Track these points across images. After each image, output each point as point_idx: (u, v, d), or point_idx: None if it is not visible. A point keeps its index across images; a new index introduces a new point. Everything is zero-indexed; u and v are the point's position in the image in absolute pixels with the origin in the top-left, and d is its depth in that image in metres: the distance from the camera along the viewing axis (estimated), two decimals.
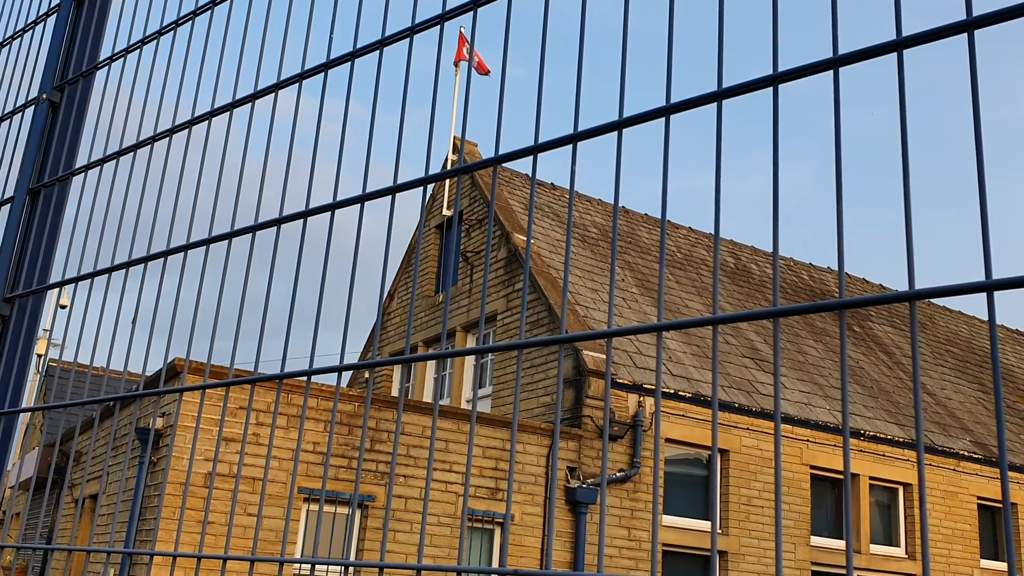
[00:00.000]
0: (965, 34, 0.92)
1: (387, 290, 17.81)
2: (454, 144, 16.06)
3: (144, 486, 9.69)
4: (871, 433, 13.49)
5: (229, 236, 1.66)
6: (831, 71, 1.00)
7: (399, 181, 1.50)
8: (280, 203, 1.62)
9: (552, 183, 17.13)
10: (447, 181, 16.39)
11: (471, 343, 14.80)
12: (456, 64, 15.63)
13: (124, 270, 1.87)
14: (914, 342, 0.90)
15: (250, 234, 1.63)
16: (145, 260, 1.82)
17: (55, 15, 2.48)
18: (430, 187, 16.14)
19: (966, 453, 14.25)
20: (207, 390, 7.15)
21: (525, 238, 14.37)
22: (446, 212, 16.31)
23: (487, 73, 15.47)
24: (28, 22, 2.61)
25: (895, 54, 0.96)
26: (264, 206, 1.68)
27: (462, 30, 16.32)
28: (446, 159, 17.02)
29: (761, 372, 13.78)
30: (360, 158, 1.55)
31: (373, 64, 1.77)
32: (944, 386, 16.70)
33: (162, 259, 1.79)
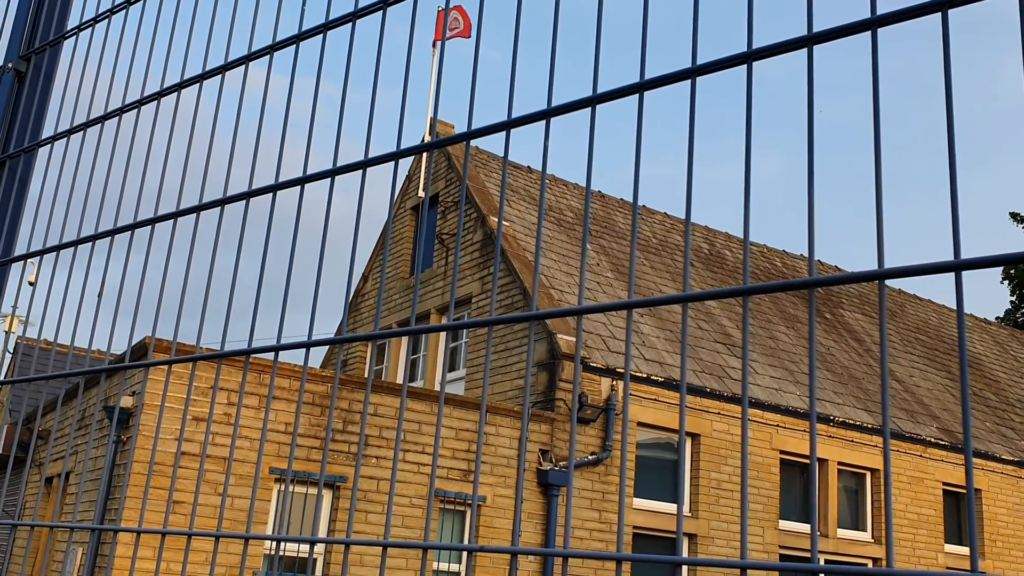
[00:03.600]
0: (939, 14, 0.92)
1: (358, 270, 17.74)
2: (430, 124, 15.97)
3: (113, 465, 9.62)
4: (840, 419, 13.64)
5: (197, 209, 1.63)
6: (805, 50, 1.00)
7: (371, 156, 1.49)
8: (249, 177, 1.59)
9: (528, 166, 17.10)
10: (423, 162, 16.32)
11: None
12: (434, 45, 15.53)
13: (91, 243, 1.84)
14: (882, 322, 0.90)
15: (218, 208, 1.60)
16: (112, 233, 1.79)
17: None
18: (403, 166, 16.06)
19: (933, 440, 14.46)
20: (174, 367, 7.12)
21: (505, 222, 14.34)
22: (421, 193, 16.24)
23: (468, 36, 15.28)
24: None
25: (869, 32, 0.96)
26: (233, 182, 1.65)
27: (440, 10, 16.21)
28: (422, 139, 16.93)
29: (732, 357, 13.88)
30: (333, 135, 1.53)
31: (347, 38, 1.74)
32: (913, 374, 16.91)
33: (129, 232, 1.76)
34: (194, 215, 1.64)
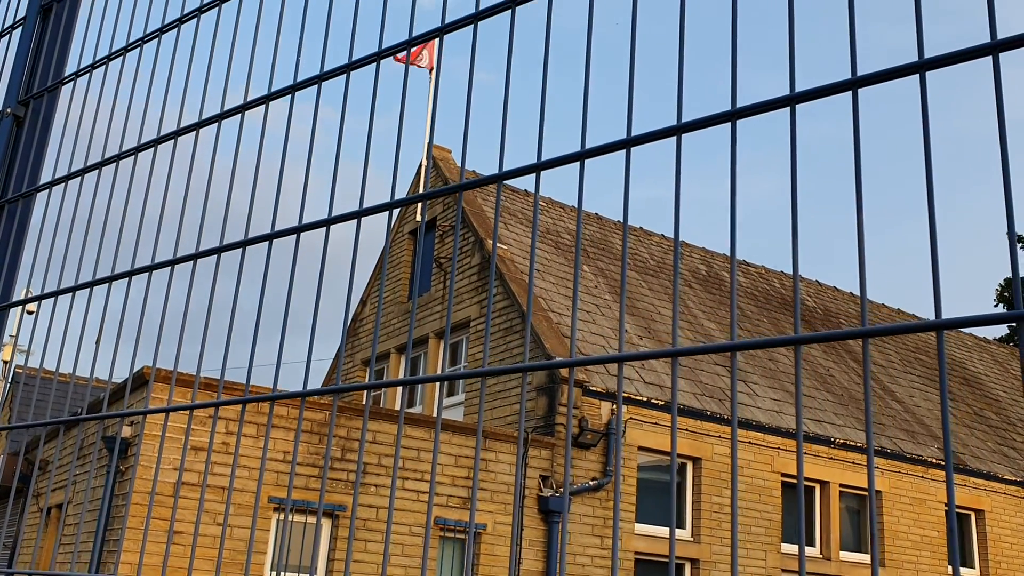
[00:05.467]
0: (917, 75, 0.94)
1: (356, 294, 17.74)
2: (427, 150, 16.03)
3: (111, 496, 9.58)
4: (841, 441, 13.62)
5: (194, 257, 1.65)
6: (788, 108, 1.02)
7: (366, 204, 1.51)
8: (246, 224, 1.61)
9: (525, 189, 17.15)
10: (420, 186, 16.37)
11: (442, 350, 14.76)
12: (431, 73, 15.61)
13: (88, 289, 1.86)
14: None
15: (215, 256, 1.62)
16: (110, 280, 1.80)
17: (20, 28, 2.46)
18: (400, 191, 16.16)
19: (934, 460, 14.42)
20: (174, 397, 7.07)
21: (501, 245, 14.37)
22: (419, 218, 16.28)
23: (430, 69, 15.33)
24: None
25: (849, 93, 0.98)
26: (231, 224, 1.67)
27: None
28: (419, 165, 17.01)
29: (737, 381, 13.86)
30: (331, 177, 1.55)
31: (342, 84, 1.76)
32: (913, 394, 16.89)
33: (126, 279, 1.78)
34: (190, 262, 1.66)
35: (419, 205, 16.31)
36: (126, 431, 9.61)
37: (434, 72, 15.55)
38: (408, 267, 16.29)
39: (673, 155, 1.14)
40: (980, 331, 25.83)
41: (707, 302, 16.42)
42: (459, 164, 14.51)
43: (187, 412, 9.17)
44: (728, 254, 16.34)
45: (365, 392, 15.93)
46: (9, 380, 21.34)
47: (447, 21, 1.46)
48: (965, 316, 0.86)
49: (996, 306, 33.75)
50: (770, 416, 13.33)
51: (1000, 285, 34.05)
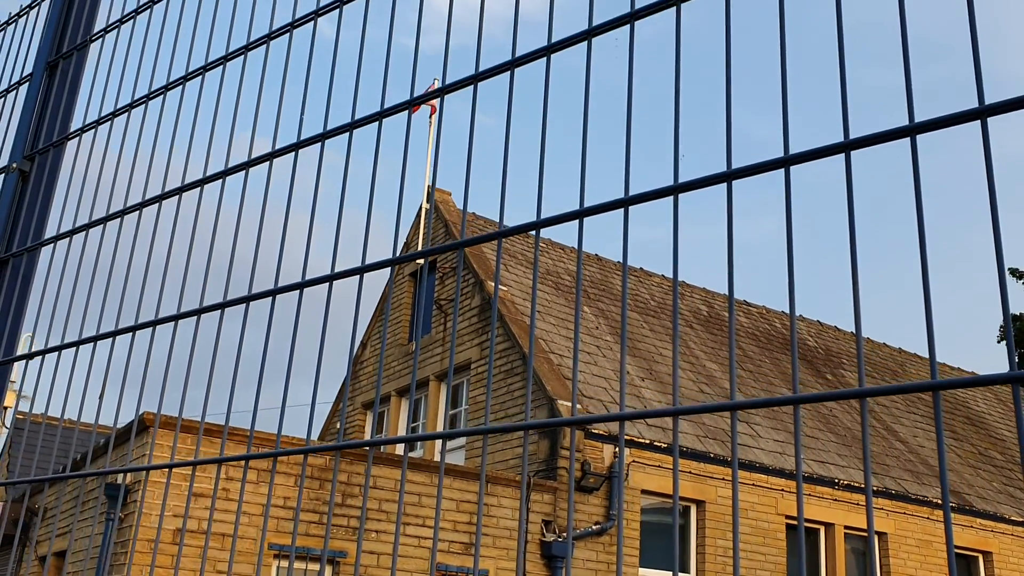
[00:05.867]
0: (908, 138, 0.96)
1: (354, 353, 17.74)
2: (427, 192, 16.15)
3: (111, 543, 9.50)
4: (845, 482, 13.52)
5: (198, 312, 1.66)
6: (782, 169, 1.04)
7: (370, 248, 1.53)
8: (250, 279, 1.63)
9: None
10: (421, 228, 16.46)
11: (443, 392, 14.72)
12: (430, 116, 15.75)
13: (92, 344, 1.87)
14: (939, 433, 0.92)
15: (219, 311, 1.64)
16: (113, 335, 1.82)
17: (27, 84, 2.49)
18: (402, 231, 16.07)
19: (940, 501, 14.30)
20: (170, 436, 7.04)
21: (502, 287, 14.40)
22: (419, 267, 16.34)
23: (431, 112, 15.40)
24: (0, 91, 2.62)
25: (843, 155, 1.00)
26: (235, 277, 1.70)
27: (435, 81, 16.49)
28: (419, 207, 17.09)
29: (738, 421, 13.79)
30: (335, 227, 1.57)
31: (343, 140, 1.79)
32: (916, 434, 16.80)
33: (129, 333, 1.79)
34: (194, 317, 1.67)
35: (419, 244, 16.37)
36: (127, 477, 9.55)
37: (435, 120, 15.67)
38: (408, 309, 16.31)
39: (670, 202, 1.16)
40: (981, 369, 25.73)
41: (708, 343, 16.41)
42: (459, 207, 14.58)
43: (186, 457, 9.12)
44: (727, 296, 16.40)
45: (370, 435, 15.84)
46: (11, 427, 21.24)
47: (448, 81, 1.48)
48: (961, 377, 0.87)
49: (999, 341, 33.69)
50: (773, 458, 13.25)
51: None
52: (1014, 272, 33.84)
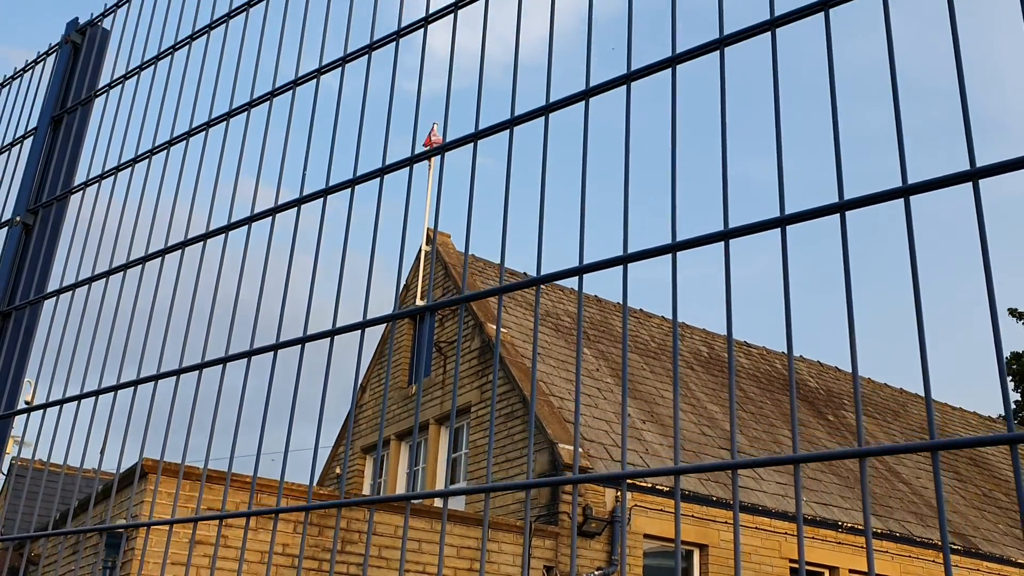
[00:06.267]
0: (902, 199, 0.97)
1: (354, 400, 17.69)
2: (427, 235, 16.22)
3: None
4: (849, 524, 13.40)
5: (200, 367, 1.67)
6: (778, 229, 1.05)
7: (369, 306, 1.54)
8: (251, 333, 1.64)
9: (525, 272, 17.26)
10: (420, 270, 16.50)
11: (443, 436, 14.65)
12: (430, 159, 15.85)
13: (94, 398, 1.87)
14: (940, 496, 0.93)
15: (220, 365, 1.64)
16: (115, 388, 1.82)
17: (32, 137, 2.53)
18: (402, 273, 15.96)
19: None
20: (170, 487, 6.92)
21: (502, 328, 14.39)
22: (419, 302, 16.35)
23: (432, 144, 15.51)
24: (5, 144, 2.65)
25: (838, 215, 1.01)
26: (238, 331, 1.71)
27: (435, 125, 16.63)
28: (419, 249, 17.14)
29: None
30: (336, 289, 1.58)
31: (345, 196, 1.81)
32: (919, 475, 16.68)
33: (132, 388, 1.79)
34: (196, 372, 1.68)
35: (419, 287, 16.39)
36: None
37: (434, 164, 15.82)
38: (408, 351, 16.27)
39: (668, 234, 1.17)
40: (986, 410, 25.61)
41: (709, 384, 16.36)
42: (459, 249, 14.53)
43: (185, 504, 9.03)
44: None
45: (370, 479, 15.72)
46: (13, 474, 21.08)
47: (449, 129, 1.51)
48: (961, 438, 0.87)
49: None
50: (776, 500, 13.14)
51: (1008, 357, 33.91)
52: (1013, 312, 33.78)
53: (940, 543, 8.67)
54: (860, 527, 13.48)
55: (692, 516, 12.16)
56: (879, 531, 13.61)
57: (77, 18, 2.66)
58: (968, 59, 0.98)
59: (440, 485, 14.16)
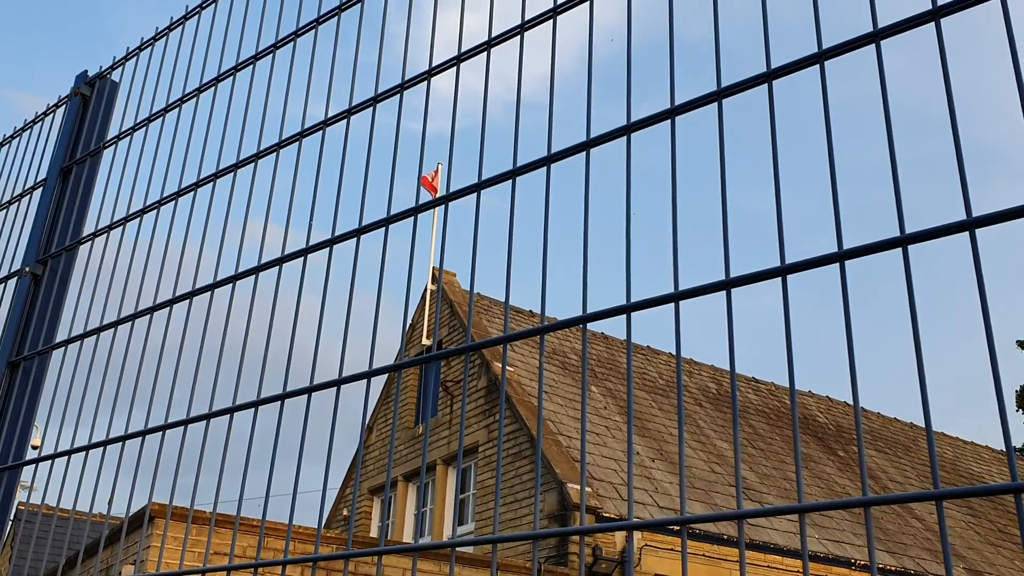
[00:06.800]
0: (900, 249, 0.98)
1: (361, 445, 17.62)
2: (433, 274, 16.25)
3: None
4: (862, 562, 13.24)
5: (207, 417, 1.68)
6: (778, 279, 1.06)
7: (375, 348, 1.55)
8: (258, 386, 1.64)
9: (530, 310, 17.26)
10: (427, 310, 16.51)
11: (451, 476, 14.57)
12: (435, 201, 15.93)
13: (102, 448, 1.88)
14: (945, 542, 0.93)
15: (228, 415, 1.65)
16: (123, 439, 1.83)
17: (41, 188, 2.56)
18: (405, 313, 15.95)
19: None
20: (176, 531, 6.85)
21: (508, 367, 14.36)
22: (425, 342, 16.35)
23: (432, 185, 15.52)
24: (14, 195, 2.68)
25: (838, 264, 1.02)
26: (246, 378, 1.72)
27: (439, 165, 16.74)
28: (425, 288, 17.17)
29: (749, 502, 13.59)
30: (343, 338, 1.60)
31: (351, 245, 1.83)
32: (932, 511, 16.50)
33: (140, 438, 1.80)
34: (204, 422, 1.68)
35: (425, 325, 16.40)
36: (128, 569, 9.41)
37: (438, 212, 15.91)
38: (415, 391, 16.24)
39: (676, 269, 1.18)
40: (998, 444, 25.42)
41: (718, 420, 16.27)
42: (463, 287, 14.55)
43: (190, 549, 8.97)
44: (739, 374, 16.39)
45: (377, 521, 15.61)
46: (23, 520, 21.01)
47: (452, 189, 1.53)
48: (965, 488, 0.87)
49: (1017, 410, 32.96)
50: (787, 538, 13.00)
51: (1019, 389, 33.55)
52: (1022, 344, 33.53)
53: None
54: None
55: (703, 555, 12.03)
56: (893, 568, 13.43)
57: (86, 71, 2.71)
58: (971, 86, 0.99)
59: (448, 527, 14.06)
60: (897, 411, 29.25)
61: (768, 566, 12.42)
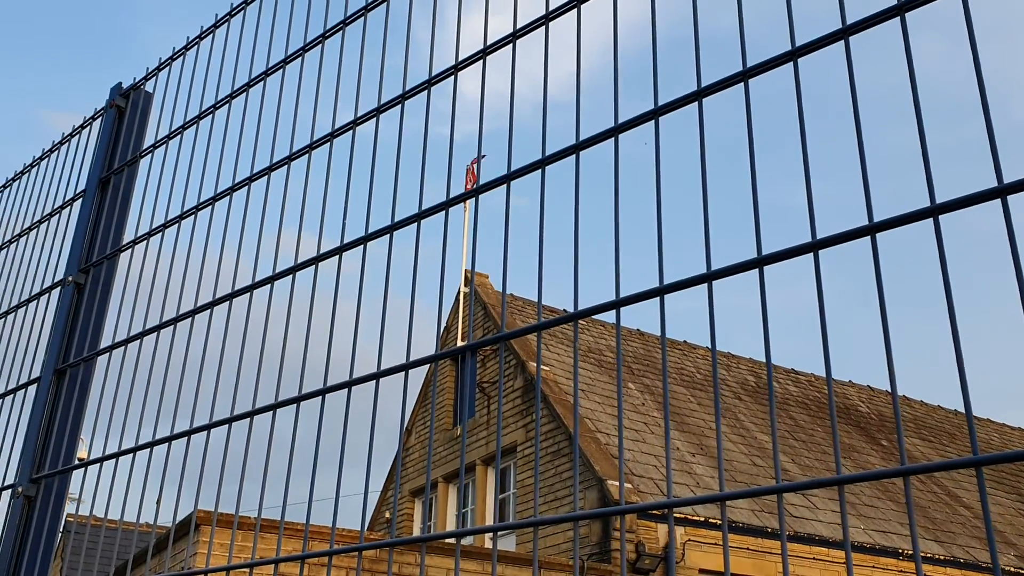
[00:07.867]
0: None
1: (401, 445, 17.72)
2: (465, 276, 16.30)
3: None
4: (909, 552, 13.06)
5: (251, 414, 1.71)
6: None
7: (412, 347, 1.56)
8: (299, 381, 1.67)
9: (565, 309, 17.24)
10: (460, 312, 16.56)
11: (491, 476, 14.60)
12: (465, 199, 16.00)
13: (148, 449, 1.92)
14: (987, 513, 0.93)
15: (270, 412, 1.68)
16: (169, 440, 1.87)
17: (81, 199, 2.61)
18: (437, 315, 15.88)
19: (1012, 569, 13.74)
20: (223, 537, 6.91)
21: (544, 367, 14.37)
22: (460, 343, 16.39)
23: (474, 177, 15.58)
24: (55, 206, 2.75)
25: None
26: (285, 378, 1.75)
27: (481, 156, 16.79)
28: (458, 291, 17.23)
29: (792, 494, 13.48)
30: (380, 332, 1.62)
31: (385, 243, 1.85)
32: (979, 498, 16.24)
33: (185, 438, 1.84)
34: (247, 419, 1.71)
35: (459, 328, 16.44)
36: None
37: (470, 206, 15.85)
38: (451, 393, 16.29)
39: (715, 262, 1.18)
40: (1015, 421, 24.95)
41: (759, 414, 16.15)
42: (496, 288, 14.55)
43: (242, 551, 9.08)
44: (774, 364, 16.08)
45: (419, 523, 15.68)
46: (73, 531, 21.36)
47: (483, 181, 1.54)
48: (1004, 452, 0.87)
49: None
50: (832, 530, 12.88)
51: None
52: None
53: (1009, 569, 8.46)
54: (923, 554, 13.14)
55: (747, 549, 11.94)
56: (942, 558, 13.25)
57: (120, 83, 2.77)
58: (997, 69, 0.99)
59: (493, 560, 14.08)
60: (941, 399, 28.82)
61: (814, 558, 12.30)
